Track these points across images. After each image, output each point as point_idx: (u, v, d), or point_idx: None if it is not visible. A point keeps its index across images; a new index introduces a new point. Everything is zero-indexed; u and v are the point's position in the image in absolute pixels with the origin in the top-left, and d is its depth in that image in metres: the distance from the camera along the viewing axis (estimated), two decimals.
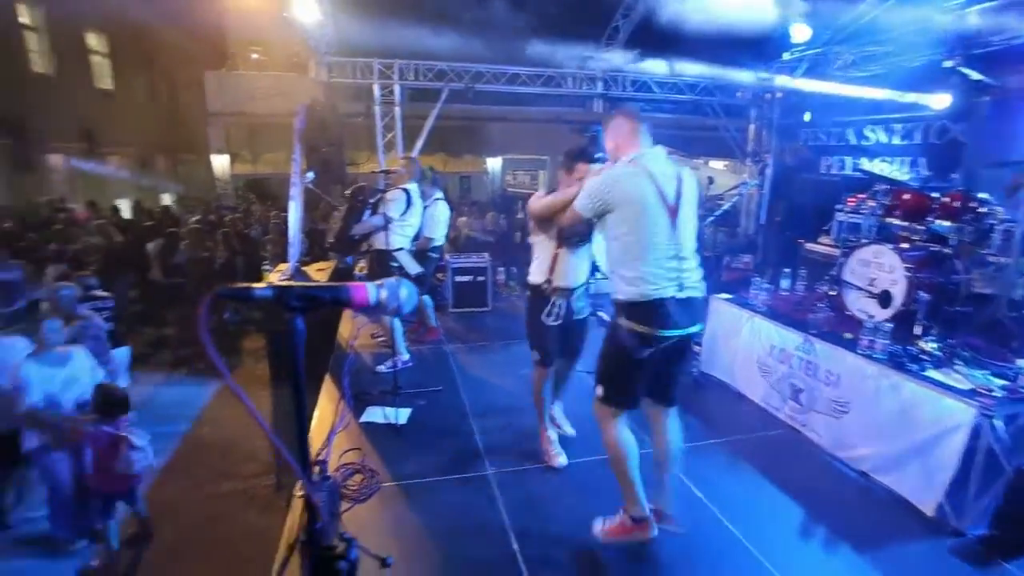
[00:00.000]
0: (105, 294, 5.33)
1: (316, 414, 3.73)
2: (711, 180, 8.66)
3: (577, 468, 3.23)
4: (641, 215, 2.23)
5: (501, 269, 7.07)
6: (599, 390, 2.47)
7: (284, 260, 6.76)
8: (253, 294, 1.06)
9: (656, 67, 7.98)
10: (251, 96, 14.53)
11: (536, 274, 3.07)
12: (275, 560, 2.49)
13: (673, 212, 2.27)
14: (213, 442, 4.95)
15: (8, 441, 3.49)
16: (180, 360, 6.57)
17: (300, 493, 2.99)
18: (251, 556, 3.57)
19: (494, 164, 17.03)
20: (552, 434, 3.34)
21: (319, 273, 6.26)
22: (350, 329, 5.40)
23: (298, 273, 6.13)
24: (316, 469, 3.19)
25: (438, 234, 4.83)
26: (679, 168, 2.39)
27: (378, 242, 4.04)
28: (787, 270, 4.83)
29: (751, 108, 9.47)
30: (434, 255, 4.92)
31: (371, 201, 4.26)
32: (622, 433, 2.46)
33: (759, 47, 7.52)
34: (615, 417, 2.46)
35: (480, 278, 6.21)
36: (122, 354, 4.65)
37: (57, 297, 4.14)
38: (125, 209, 12.71)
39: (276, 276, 6.06)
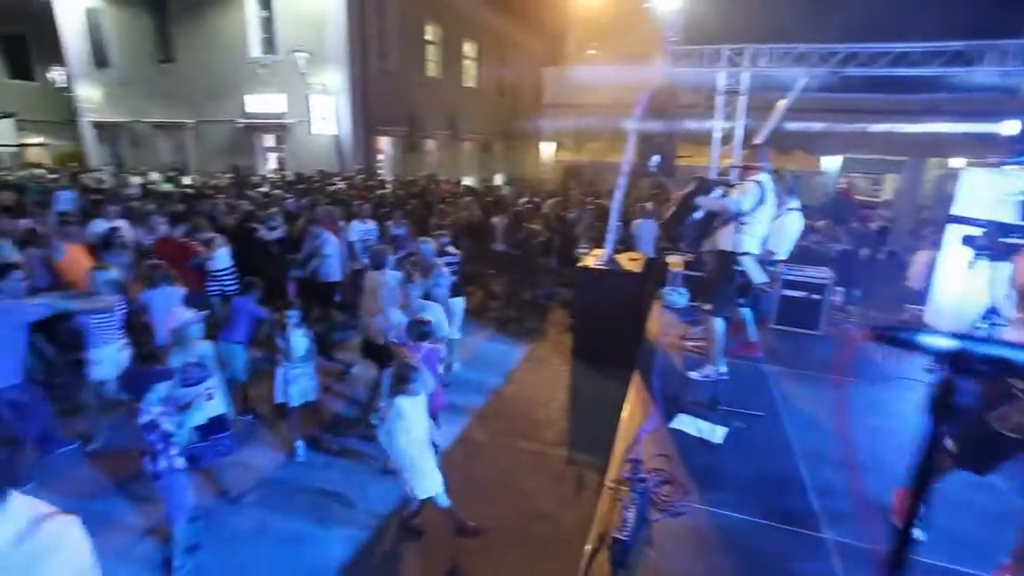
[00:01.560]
0: (455, 251, 6.37)
1: (627, 408, 3.68)
2: None
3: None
4: None
5: (839, 289, 5.91)
6: None
7: (599, 245, 7.02)
8: (924, 344, 0.85)
9: None
10: (584, 88, 15.73)
11: None
12: (583, 551, 2.49)
13: None
14: (517, 401, 5.46)
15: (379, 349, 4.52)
16: (505, 320, 7.52)
17: (613, 485, 2.98)
18: (542, 512, 3.80)
19: (830, 163, 14.56)
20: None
21: (631, 263, 6.26)
22: (658, 325, 5.25)
23: (611, 261, 6.26)
24: (628, 466, 3.18)
25: (782, 248, 4.21)
26: None
27: (723, 241, 3.69)
28: None
29: None
30: (770, 268, 4.33)
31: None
32: None
33: None
34: None
35: (815, 296, 5.28)
36: (457, 304, 5.51)
37: (419, 249, 5.22)
38: (471, 185, 15.20)
39: (592, 260, 6.31)
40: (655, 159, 5.34)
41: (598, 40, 18.67)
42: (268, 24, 14.52)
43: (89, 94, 17.89)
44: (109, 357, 4.20)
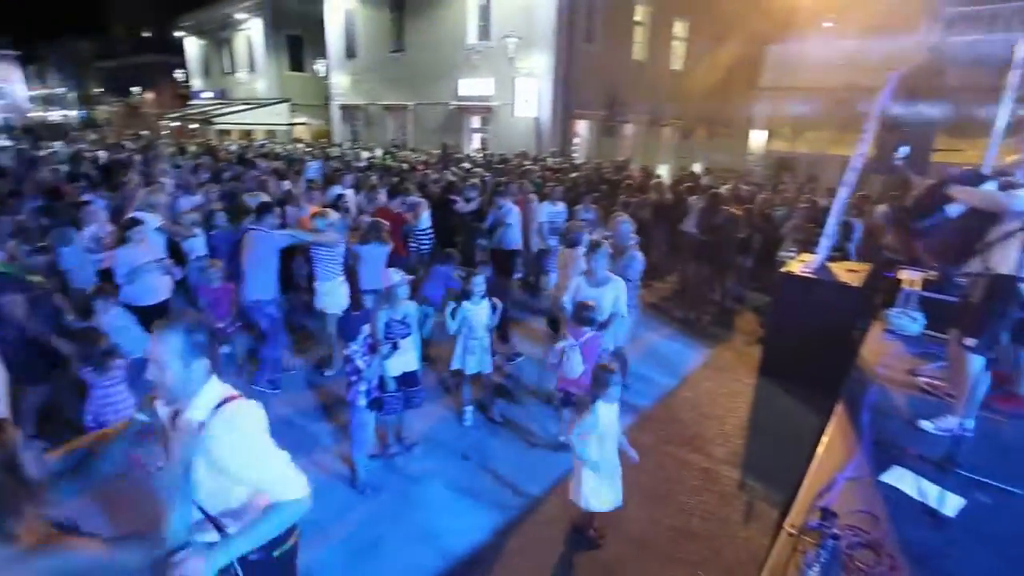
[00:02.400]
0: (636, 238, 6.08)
1: (823, 443, 3.11)
2: None
3: None
4: None
5: None
6: None
7: (807, 249, 6.08)
8: None
9: None
10: (813, 68, 13.73)
11: None
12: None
13: None
14: (689, 408, 5.05)
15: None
16: (686, 318, 7.04)
17: (794, 531, 2.55)
18: (697, 533, 3.50)
19: None
20: None
21: (848, 274, 5.30)
22: (877, 352, 4.35)
23: (823, 269, 5.37)
24: (818, 514, 2.69)
25: None
26: None
27: (1001, 261, 2.84)
28: None
29: None
30: None
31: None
32: None
33: None
34: None
35: None
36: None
37: (616, 228, 5.16)
38: (664, 174, 14.47)
39: (798, 266, 5.49)
40: (903, 150, 4.33)
41: (836, 11, 16.01)
42: (485, 12, 15.48)
43: (339, 81, 21.24)
44: (332, 290, 5.16)
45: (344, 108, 21.51)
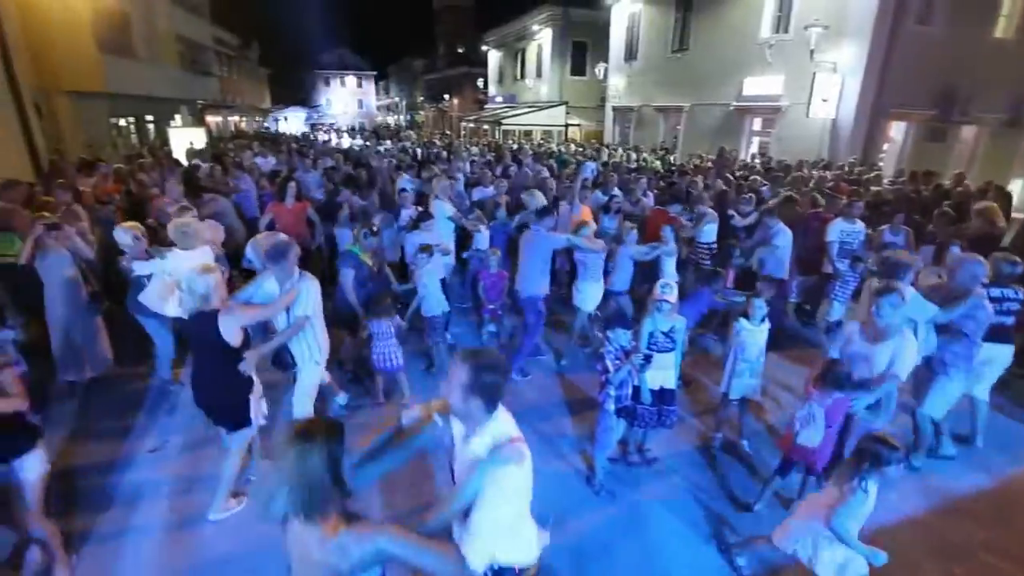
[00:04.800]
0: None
1: None
2: None
3: None
4: None
5: None
6: None
7: None
8: None
9: None
10: None
11: None
12: None
13: None
14: None
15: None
16: None
17: None
18: None
19: None
20: None
21: None
22: None
23: None
24: None
25: None
26: None
27: None
28: None
29: None
30: None
31: None
32: None
33: None
34: None
35: None
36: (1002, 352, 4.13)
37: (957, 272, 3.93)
38: (1017, 191, 10.96)
39: None
40: None
41: None
42: (785, 1, 13.87)
43: (615, 83, 21.76)
44: (590, 291, 5.41)
45: (616, 110, 22.00)
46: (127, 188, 7.65)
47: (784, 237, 5.91)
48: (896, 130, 13.69)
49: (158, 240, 4.76)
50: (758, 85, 14.79)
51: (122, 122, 16.86)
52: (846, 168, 10.90)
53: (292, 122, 48.61)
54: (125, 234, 4.29)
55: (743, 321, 3.92)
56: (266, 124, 42.63)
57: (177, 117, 21.00)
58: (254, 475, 3.72)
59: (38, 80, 11.56)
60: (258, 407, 3.40)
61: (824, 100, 12.72)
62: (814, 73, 12.57)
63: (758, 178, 8.96)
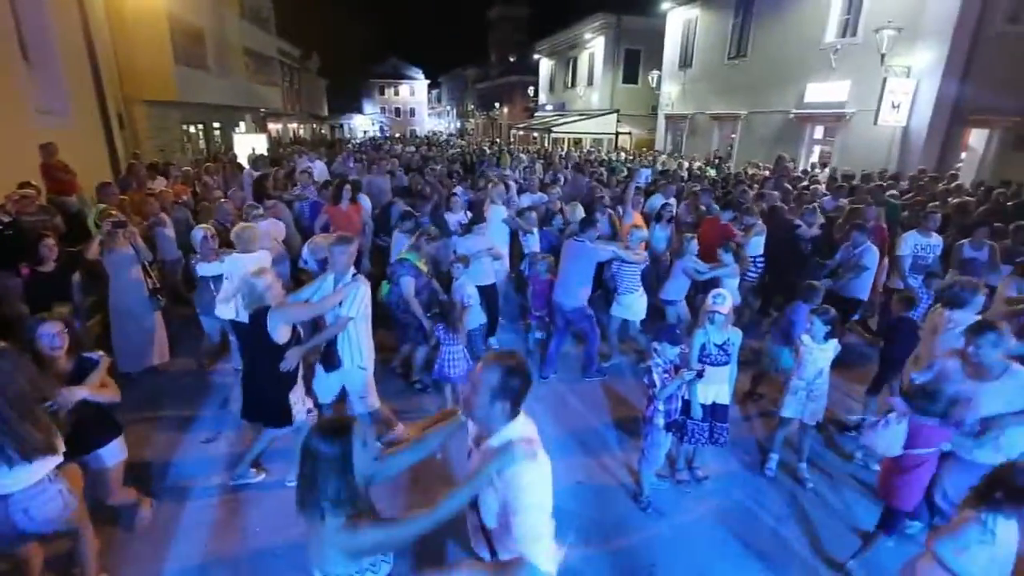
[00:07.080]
0: None
1: None
2: None
3: None
4: None
5: None
6: None
7: None
8: None
9: None
10: None
11: None
12: None
13: None
14: None
15: None
16: None
17: None
18: None
19: None
20: None
21: None
22: None
23: None
24: None
25: None
26: None
27: None
28: None
29: None
30: None
31: None
32: None
33: None
34: None
35: None
36: None
37: None
38: None
39: None
40: None
41: None
42: (853, 4, 13.22)
43: (669, 91, 21.32)
44: (631, 303, 5.28)
45: (669, 118, 21.56)
46: (193, 190, 8.05)
47: (872, 257, 5.51)
48: (976, 138, 12.75)
49: (220, 242, 4.97)
50: (821, 91, 14.14)
51: (191, 128, 17.85)
52: (921, 179, 10.21)
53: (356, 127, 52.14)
54: (198, 232, 4.50)
55: (805, 338, 3.69)
56: (323, 130, 44.73)
57: (241, 124, 22.08)
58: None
59: (121, 91, 12.43)
60: (302, 403, 3.52)
61: (895, 106, 12.01)
62: (884, 78, 11.89)
63: (819, 187, 8.51)
